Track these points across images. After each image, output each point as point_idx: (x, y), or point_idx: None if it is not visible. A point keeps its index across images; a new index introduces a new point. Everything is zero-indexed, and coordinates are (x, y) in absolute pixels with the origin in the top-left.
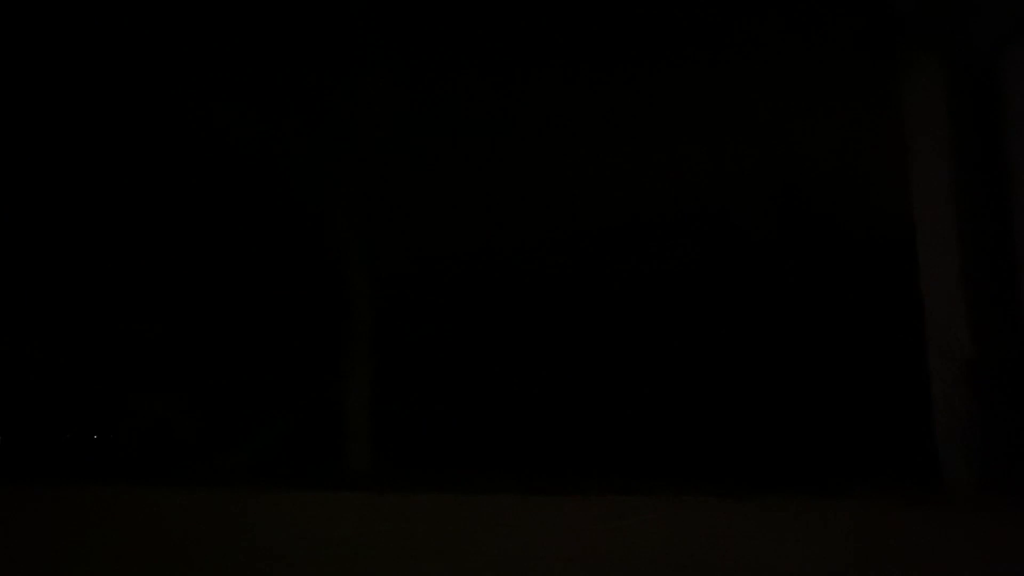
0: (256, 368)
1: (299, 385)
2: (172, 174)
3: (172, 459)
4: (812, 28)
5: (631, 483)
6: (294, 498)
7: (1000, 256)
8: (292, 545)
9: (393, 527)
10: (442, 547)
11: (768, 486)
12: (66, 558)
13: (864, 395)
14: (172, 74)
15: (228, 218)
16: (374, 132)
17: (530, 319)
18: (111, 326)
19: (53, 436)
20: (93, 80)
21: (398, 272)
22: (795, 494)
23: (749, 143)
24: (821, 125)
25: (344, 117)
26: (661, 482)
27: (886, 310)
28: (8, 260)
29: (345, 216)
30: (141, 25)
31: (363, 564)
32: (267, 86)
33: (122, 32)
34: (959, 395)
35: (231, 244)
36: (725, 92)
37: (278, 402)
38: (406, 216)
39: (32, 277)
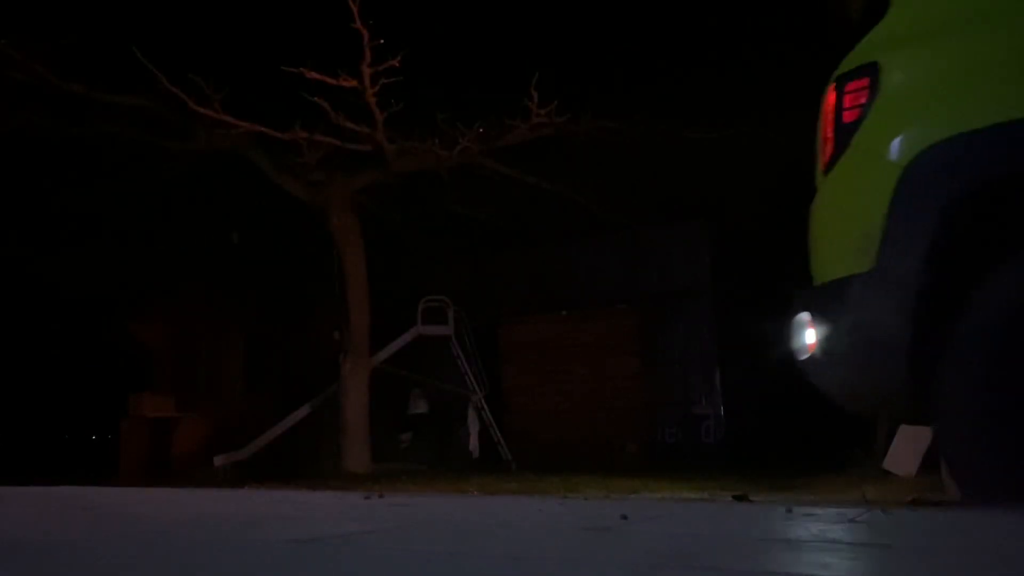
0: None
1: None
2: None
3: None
4: (811, 27)
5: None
6: (295, 498)
7: None
8: (292, 544)
9: (394, 527)
10: (443, 547)
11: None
12: (65, 558)
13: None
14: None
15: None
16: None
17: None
18: (121, 329)
19: (53, 436)
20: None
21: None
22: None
23: (746, 140)
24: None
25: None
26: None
27: None
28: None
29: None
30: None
31: (363, 564)
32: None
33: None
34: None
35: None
36: (723, 90)
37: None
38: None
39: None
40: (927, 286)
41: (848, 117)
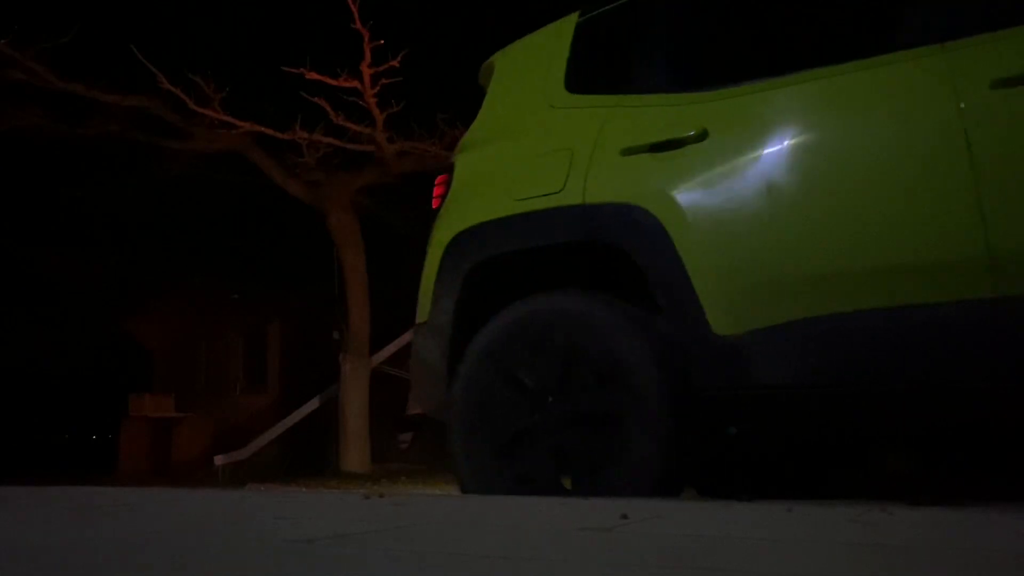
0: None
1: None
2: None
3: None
4: None
5: None
6: (295, 498)
7: None
8: (292, 544)
9: (394, 527)
10: (443, 547)
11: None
12: (62, 558)
13: None
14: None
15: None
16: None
17: None
18: (122, 333)
19: (53, 436)
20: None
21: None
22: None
23: None
24: None
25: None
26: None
27: None
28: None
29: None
30: None
31: (363, 564)
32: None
33: None
34: None
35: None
36: None
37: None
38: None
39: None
40: (455, 332)
41: (435, 204)
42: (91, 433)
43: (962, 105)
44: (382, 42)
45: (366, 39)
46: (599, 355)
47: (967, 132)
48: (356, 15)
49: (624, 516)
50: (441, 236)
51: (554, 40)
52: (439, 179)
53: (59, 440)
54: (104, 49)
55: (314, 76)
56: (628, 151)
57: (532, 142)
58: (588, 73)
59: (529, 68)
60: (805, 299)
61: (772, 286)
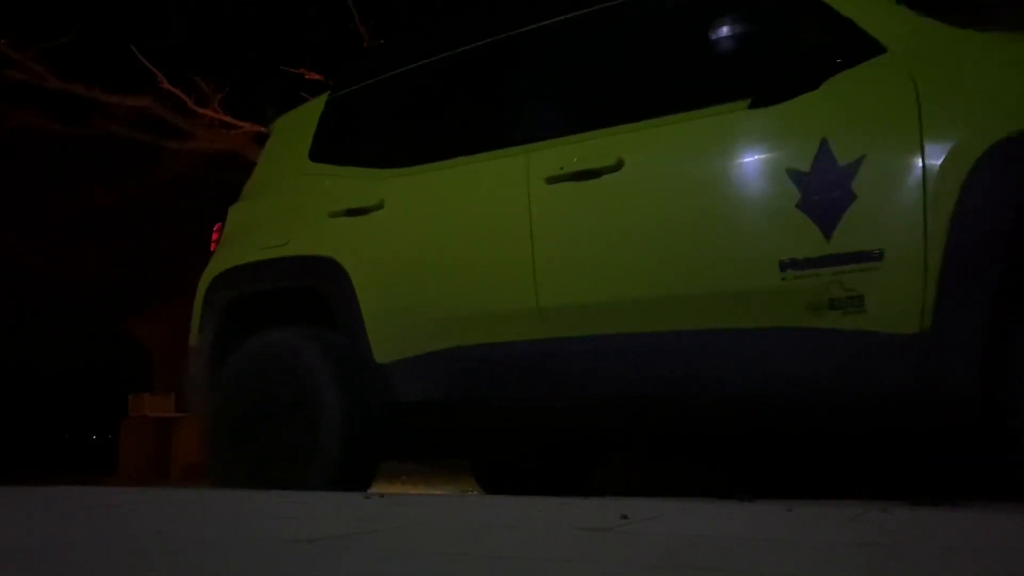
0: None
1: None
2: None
3: None
4: None
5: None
6: (295, 498)
7: None
8: (292, 544)
9: (394, 527)
10: (443, 547)
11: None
12: (62, 559)
13: None
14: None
15: None
16: None
17: None
18: (122, 331)
19: (53, 436)
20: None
21: None
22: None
23: None
24: None
25: None
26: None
27: None
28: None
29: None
30: None
31: (363, 564)
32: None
33: None
34: None
35: None
36: None
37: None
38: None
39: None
40: (214, 357)
41: (212, 247)
42: (91, 433)
43: (530, 194)
44: (382, 42)
45: (366, 39)
46: (300, 377)
47: (531, 215)
48: (356, 15)
49: (624, 516)
50: (206, 276)
51: (311, 112)
52: (216, 226)
53: (59, 440)
54: (104, 49)
55: (314, 76)
56: (334, 214)
57: (279, 200)
58: (325, 145)
59: (291, 135)
60: (432, 336)
61: (412, 325)
